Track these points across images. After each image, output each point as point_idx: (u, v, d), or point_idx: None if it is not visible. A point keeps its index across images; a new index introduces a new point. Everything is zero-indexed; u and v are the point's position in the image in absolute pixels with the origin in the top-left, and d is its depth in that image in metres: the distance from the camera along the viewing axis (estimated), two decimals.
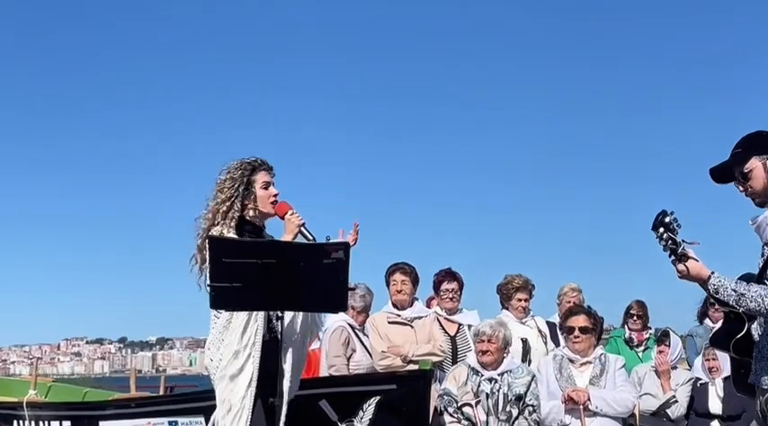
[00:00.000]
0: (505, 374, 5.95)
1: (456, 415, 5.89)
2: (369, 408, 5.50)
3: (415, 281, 6.74)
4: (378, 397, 5.51)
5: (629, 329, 7.71)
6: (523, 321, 7.03)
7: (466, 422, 5.85)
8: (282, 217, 4.57)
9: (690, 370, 7.30)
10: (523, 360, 6.58)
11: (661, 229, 3.86)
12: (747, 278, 3.95)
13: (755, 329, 3.94)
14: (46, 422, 7.16)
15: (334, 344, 6.53)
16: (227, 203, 4.57)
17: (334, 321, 6.58)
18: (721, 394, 6.83)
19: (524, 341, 6.83)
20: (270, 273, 4.08)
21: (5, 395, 8.95)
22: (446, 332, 6.75)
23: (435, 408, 6.04)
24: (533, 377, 6.03)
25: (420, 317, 6.63)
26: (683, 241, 3.84)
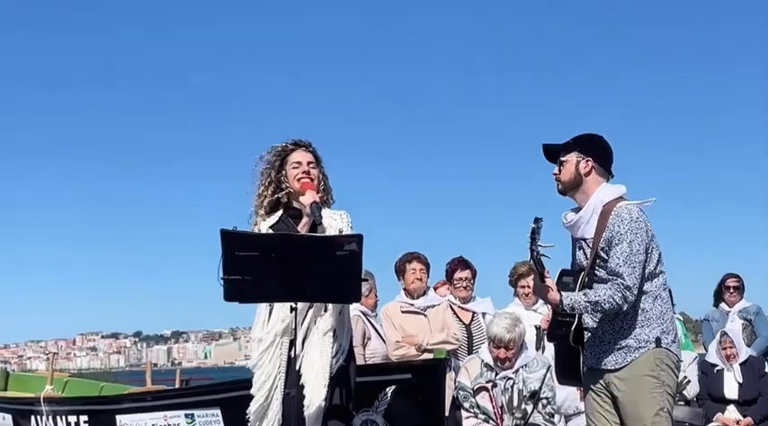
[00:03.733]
0: (521, 369, 5.88)
1: (472, 410, 5.87)
2: (384, 398, 5.51)
3: (428, 270, 6.74)
4: (393, 387, 5.51)
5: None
6: (534, 307, 7.01)
7: (483, 416, 5.83)
8: (304, 194, 4.60)
9: (705, 354, 7.47)
10: (537, 348, 6.56)
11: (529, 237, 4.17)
12: (567, 273, 4.28)
13: (589, 318, 4.22)
14: (63, 417, 7.20)
15: None
16: (263, 192, 4.65)
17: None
18: (740, 380, 6.98)
19: (537, 329, 6.81)
20: (283, 265, 4.09)
21: (23, 391, 9.01)
22: (460, 321, 6.74)
23: (453, 398, 6.03)
24: (548, 367, 5.86)
25: (433, 306, 6.62)
26: (539, 246, 4.16)
